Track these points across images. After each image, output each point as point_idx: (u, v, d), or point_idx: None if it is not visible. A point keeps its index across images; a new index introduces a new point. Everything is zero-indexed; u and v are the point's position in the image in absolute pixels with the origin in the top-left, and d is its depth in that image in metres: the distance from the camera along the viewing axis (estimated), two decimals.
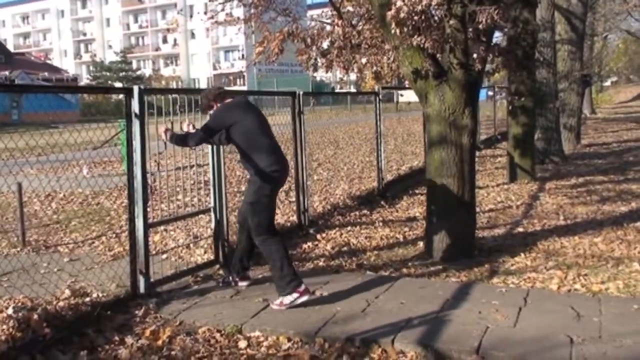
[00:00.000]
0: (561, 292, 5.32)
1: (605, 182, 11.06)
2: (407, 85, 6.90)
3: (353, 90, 47.59)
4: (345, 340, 4.35)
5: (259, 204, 5.21)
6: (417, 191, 10.39)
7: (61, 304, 4.92)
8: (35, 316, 4.44)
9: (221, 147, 6.16)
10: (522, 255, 6.54)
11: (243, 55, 69.83)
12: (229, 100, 5.49)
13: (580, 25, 17.08)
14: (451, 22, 6.01)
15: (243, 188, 10.33)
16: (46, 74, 53.39)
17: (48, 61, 74.77)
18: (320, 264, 6.46)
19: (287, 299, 5.02)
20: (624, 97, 61.18)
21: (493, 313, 4.73)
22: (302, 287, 5.05)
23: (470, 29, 6.21)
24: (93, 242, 7.55)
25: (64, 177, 9.90)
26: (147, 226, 5.38)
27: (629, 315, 4.60)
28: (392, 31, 5.70)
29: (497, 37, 12.96)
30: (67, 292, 5.21)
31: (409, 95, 10.92)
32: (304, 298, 5.03)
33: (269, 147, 5.31)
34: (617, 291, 5.29)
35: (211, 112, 5.50)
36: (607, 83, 75.45)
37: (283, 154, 5.47)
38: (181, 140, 5.47)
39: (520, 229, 7.83)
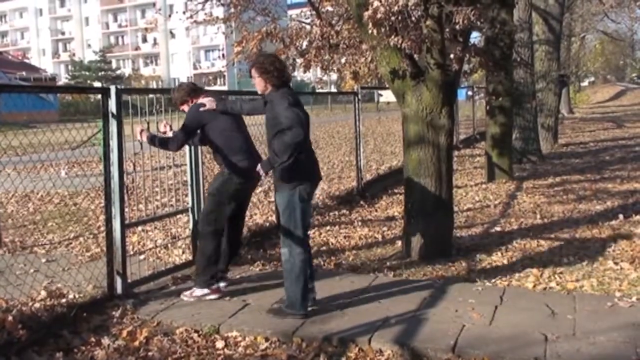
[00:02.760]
0: (537, 290, 5.39)
1: (582, 181, 11.19)
2: (386, 85, 6.93)
3: (333, 90, 47.76)
4: (323, 339, 4.36)
5: (222, 196, 5.29)
6: (396, 191, 10.43)
7: (37, 305, 4.89)
8: (10, 318, 4.40)
9: (199, 147, 6.14)
10: (499, 254, 6.60)
11: (223, 55, 69.61)
12: (202, 96, 5.46)
13: (558, 26, 17.24)
14: (428, 22, 6.05)
15: None
16: (24, 73, 52.82)
17: (26, 60, 73.95)
18: None
19: (199, 292, 5.30)
20: (601, 97, 61.89)
21: (469, 311, 4.77)
22: (215, 286, 5.35)
23: (447, 30, 6.25)
24: (70, 243, 7.49)
25: (41, 177, 9.81)
26: (125, 226, 5.36)
27: (602, 313, 4.66)
28: (370, 31, 5.73)
29: (476, 37, 13.07)
30: (43, 294, 5.17)
31: (388, 95, 10.95)
32: (214, 296, 5.30)
33: (245, 145, 5.40)
34: (592, 289, 5.36)
35: (185, 108, 5.48)
36: (585, 83, 76.27)
37: (258, 153, 5.53)
38: (162, 144, 5.43)
39: (498, 228, 7.90)
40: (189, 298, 5.28)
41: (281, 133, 4.57)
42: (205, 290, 5.30)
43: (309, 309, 4.84)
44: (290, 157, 4.50)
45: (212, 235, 5.33)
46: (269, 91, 4.81)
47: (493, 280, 5.70)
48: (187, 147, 6.14)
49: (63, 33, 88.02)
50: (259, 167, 4.70)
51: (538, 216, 8.41)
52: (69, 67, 75.47)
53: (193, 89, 5.54)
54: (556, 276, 5.74)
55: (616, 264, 6.02)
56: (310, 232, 7.57)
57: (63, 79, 72.66)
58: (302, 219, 4.76)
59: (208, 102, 5.23)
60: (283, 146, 4.52)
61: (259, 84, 4.85)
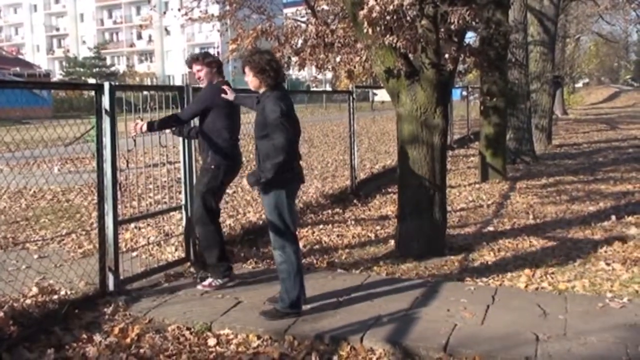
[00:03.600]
0: (528, 290, 5.40)
1: (575, 182, 11.22)
2: (381, 85, 6.94)
3: (328, 88, 47.73)
4: (315, 337, 4.36)
5: (212, 191, 5.51)
6: (389, 190, 10.44)
7: (28, 301, 4.88)
8: (1, 314, 4.40)
9: (193, 143, 6.13)
10: (492, 254, 6.62)
11: (218, 53, 69.34)
12: (221, 80, 5.64)
13: (552, 27, 17.30)
14: (423, 22, 6.06)
15: None
16: (18, 69, 52.63)
17: (20, 56, 73.69)
18: None
19: (219, 282, 5.49)
20: (595, 99, 62.06)
21: (461, 311, 4.78)
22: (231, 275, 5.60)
23: (442, 30, 6.25)
24: (62, 240, 7.47)
25: (34, 173, 9.78)
26: (117, 223, 5.34)
27: (593, 313, 4.68)
28: (365, 30, 5.72)
29: (471, 37, 13.08)
30: (35, 290, 5.17)
31: (383, 95, 10.95)
32: (231, 283, 5.53)
33: (235, 138, 5.67)
34: (583, 289, 5.38)
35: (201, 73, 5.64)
36: (579, 84, 76.45)
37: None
38: (164, 123, 5.55)
39: (491, 228, 7.92)
40: (207, 288, 5.43)
41: (268, 138, 4.59)
42: (226, 279, 5.50)
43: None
44: (276, 167, 4.51)
45: (215, 227, 5.55)
46: (263, 91, 4.80)
47: (485, 280, 5.72)
48: (181, 145, 6.14)
49: (57, 29, 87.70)
50: (245, 180, 4.83)
51: (531, 216, 8.43)
52: (64, 63, 75.19)
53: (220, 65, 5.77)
54: (548, 276, 5.77)
55: (608, 264, 6.04)
56: (304, 231, 7.60)
57: (57, 76, 72.44)
58: (290, 216, 4.76)
59: (229, 92, 5.44)
60: (273, 152, 4.54)
61: (252, 82, 4.84)
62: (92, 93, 5.23)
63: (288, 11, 14.37)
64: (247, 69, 4.83)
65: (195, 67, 5.65)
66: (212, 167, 5.48)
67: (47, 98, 41.51)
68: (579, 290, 5.37)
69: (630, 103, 52.60)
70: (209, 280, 5.51)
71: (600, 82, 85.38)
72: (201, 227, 5.58)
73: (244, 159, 6.05)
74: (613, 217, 8.06)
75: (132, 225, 7.19)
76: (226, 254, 5.68)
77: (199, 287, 5.48)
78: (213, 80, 5.65)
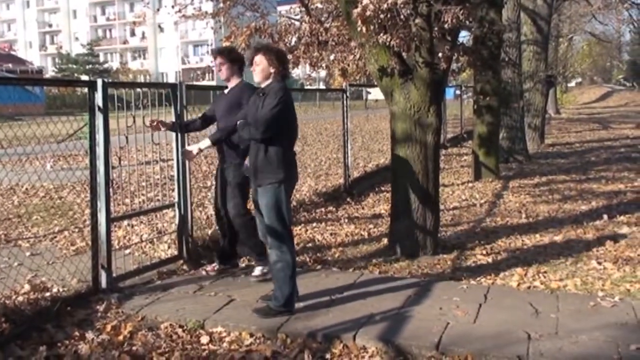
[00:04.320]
0: (521, 289, 5.42)
1: (567, 182, 11.27)
2: (374, 83, 6.95)
3: (322, 86, 47.71)
4: (307, 335, 4.37)
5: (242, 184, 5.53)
6: (383, 188, 10.45)
7: (20, 298, 4.86)
8: None
9: (186, 141, 6.12)
10: (484, 252, 6.64)
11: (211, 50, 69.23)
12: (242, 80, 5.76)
13: (546, 27, 17.37)
14: (417, 21, 6.06)
15: (209, 183, 10.30)
16: (10, 65, 52.36)
17: (12, 52, 73.29)
18: None
19: (266, 269, 5.46)
20: (587, 98, 62.32)
21: (454, 309, 4.79)
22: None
23: (436, 28, 6.27)
24: (55, 237, 7.44)
25: (26, 170, 9.74)
26: (110, 220, 5.33)
27: (585, 312, 4.70)
28: (359, 29, 5.73)
29: (464, 36, 13.09)
30: (27, 287, 5.15)
31: (376, 93, 10.96)
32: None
33: None
34: (575, 288, 5.40)
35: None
36: (572, 84, 76.73)
37: None
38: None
39: (483, 227, 7.94)
40: (260, 276, 5.59)
41: (244, 123, 4.71)
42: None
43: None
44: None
45: (249, 218, 5.54)
46: (270, 82, 4.78)
47: (478, 279, 5.73)
48: (174, 142, 6.13)
49: (50, 25, 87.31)
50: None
51: (523, 215, 8.46)
52: (56, 60, 74.83)
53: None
54: (540, 275, 5.78)
55: (599, 263, 6.07)
56: (297, 229, 7.61)
57: (50, 72, 72.09)
58: (288, 214, 4.78)
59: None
60: (246, 133, 4.70)
61: (263, 71, 4.77)
62: (85, 90, 5.22)
63: (282, 9, 14.34)
64: (261, 57, 4.76)
65: (219, 60, 5.70)
66: (235, 162, 5.55)
67: (40, 95, 41.37)
68: (570, 289, 5.39)
69: (623, 103, 52.84)
70: (261, 268, 5.62)
71: (593, 81, 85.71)
72: (240, 218, 5.61)
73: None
74: (605, 217, 8.09)
75: (125, 222, 7.18)
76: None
77: (252, 279, 5.61)
78: (231, 77, 5.72)
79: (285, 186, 4.73)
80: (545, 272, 5.88)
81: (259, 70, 4.77)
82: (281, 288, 4.75)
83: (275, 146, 4.68)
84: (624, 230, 7.41)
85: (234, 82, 5.73)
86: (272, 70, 4.76)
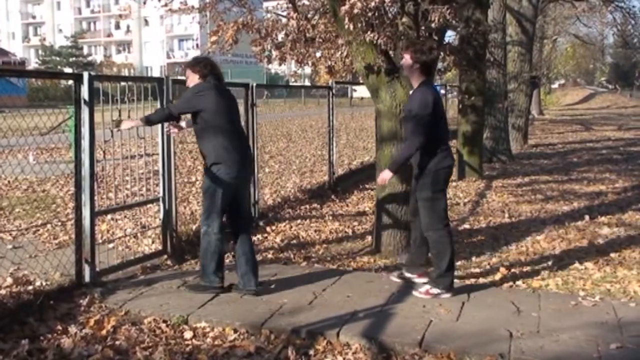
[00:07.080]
0: (503, 288, 5.47)
1: (550, 182, 11.36)
2: (360, 81, 6.96)
3: (307, 83, 47.73)
4: (291, 331, 4.38)
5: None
6: (367, 186, 10.48)
7: (2, 292, 4.84)
8: None
9: (172, 137, 6.10)
10: (467, 251, 6.68)
11: (197, 45, 68.96)
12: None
13: (531, 28, 17.49)
14: (404, 19, 6.10)
15: (193, 178, 10.28)
16: None
17: None
18: (269, 256, 6.49)
19: (436, 291, 5.09)
20: (570, 100, 62.87)
21: (437, 307, 4.83)
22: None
23: (423, 27, 6.30)
24: (38, 230, 7.40)
25: (9, 162, 9.65)
26: (94, 214, 5.31)
27: (566, 311, 4.76)
28: (346, 26, 5.74)
29: (450, 36, 13.16)
30: (9, 280, 5.12)
31: (362, 91, 10.98)
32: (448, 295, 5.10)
33: None
34: (556, 288, 5.46)
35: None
36: (555, 85, 77.34)
37: None
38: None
39: (467, 226, 7.99)
40: (424, 295, 5.08)
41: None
42: (444, 292, 5.11)
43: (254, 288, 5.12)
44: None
45: (447, 232, 5.26)
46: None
47: (461, 277, 5.76)
48: (160, 136, 6.11)
49: (34, 17, 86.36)
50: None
51: (506, 215, 8.52)
52: (39, 51, 74.06)
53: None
54: (522, 274, 5.84)
55: (581, 263, 6.13)
56: (281, 225, 7.62)
57: (33, 64, 71.34)
58: (221, 202, 5.02)
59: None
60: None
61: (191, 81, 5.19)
62: (69, 83, 5.20)
63: (268, 5, 14.32)
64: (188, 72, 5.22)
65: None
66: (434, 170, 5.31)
67: (22, 87, 40.94)
68: (552, 288, 5.45)
69: (605, 105, 53.38)
70: (427, 287, 5.12)
71: (576, 83, 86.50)
72: (433, 232, 5.19)
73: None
74: (586, 217, 8.17)
75: (109, 216, 7.15)
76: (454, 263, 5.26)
77: (416, 293, 5.11)
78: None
79: (222, 171, 4.99)
80: (527, 271, 5.94)
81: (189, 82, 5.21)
82: (204, 262, 5.17)
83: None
84: (605, 230, 7.49)
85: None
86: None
